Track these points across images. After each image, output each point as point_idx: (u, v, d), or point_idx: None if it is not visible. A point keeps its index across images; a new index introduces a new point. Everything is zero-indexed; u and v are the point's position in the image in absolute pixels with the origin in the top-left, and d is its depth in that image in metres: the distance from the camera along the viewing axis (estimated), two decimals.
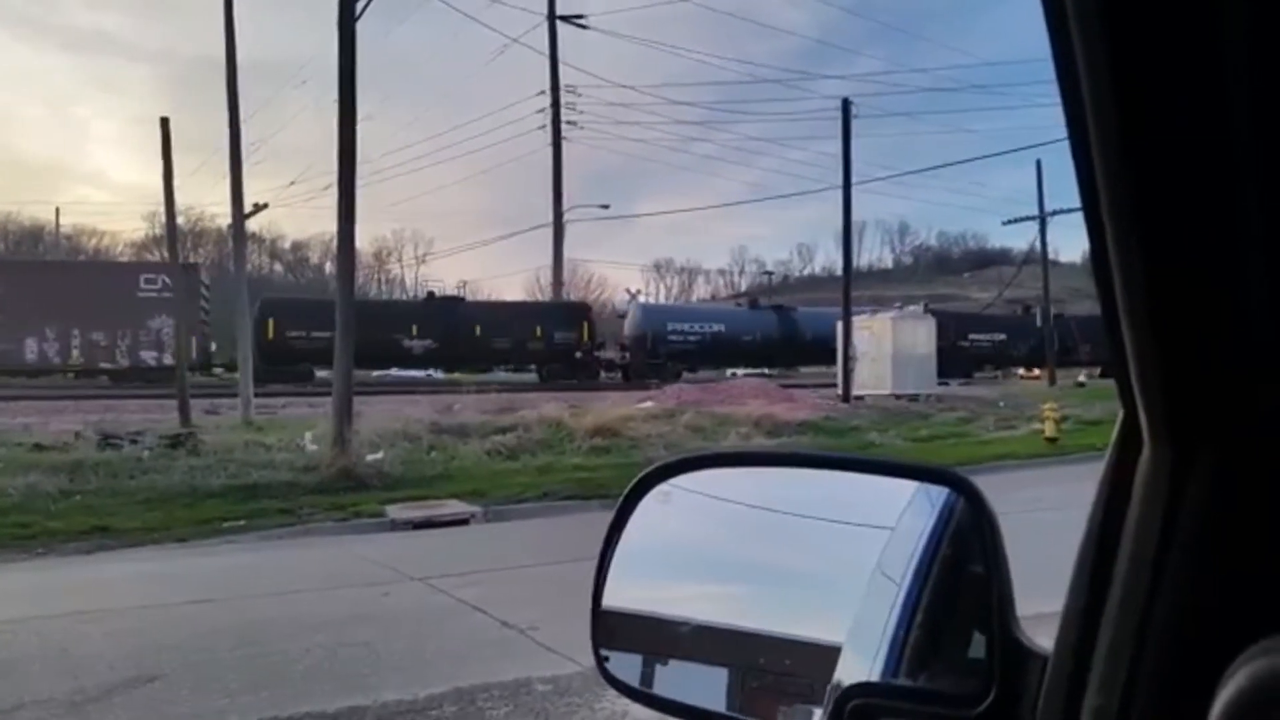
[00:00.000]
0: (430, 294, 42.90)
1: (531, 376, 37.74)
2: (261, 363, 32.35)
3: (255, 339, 32.57)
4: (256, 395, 20.97)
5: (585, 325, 38.71)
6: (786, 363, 42.99)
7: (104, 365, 33.42)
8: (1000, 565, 0.80)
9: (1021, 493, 9.82)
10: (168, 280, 31.44)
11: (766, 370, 40.92)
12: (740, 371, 39.12)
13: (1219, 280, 0.56)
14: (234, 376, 32.50)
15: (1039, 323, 37.62)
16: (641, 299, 51.98)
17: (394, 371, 38.26)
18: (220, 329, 33.97)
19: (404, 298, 44.27)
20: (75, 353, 33.55)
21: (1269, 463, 0.59)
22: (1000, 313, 48.62)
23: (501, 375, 37.19)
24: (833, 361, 30.48)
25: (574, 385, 30.79)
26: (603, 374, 37.69)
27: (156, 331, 32.87)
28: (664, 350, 38.91)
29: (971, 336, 42.20)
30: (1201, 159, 0.53)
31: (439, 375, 37.71)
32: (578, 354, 37.89)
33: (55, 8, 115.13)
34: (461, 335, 36.48)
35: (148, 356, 33.25)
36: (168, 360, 30.68)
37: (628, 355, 39.66)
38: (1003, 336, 42.94)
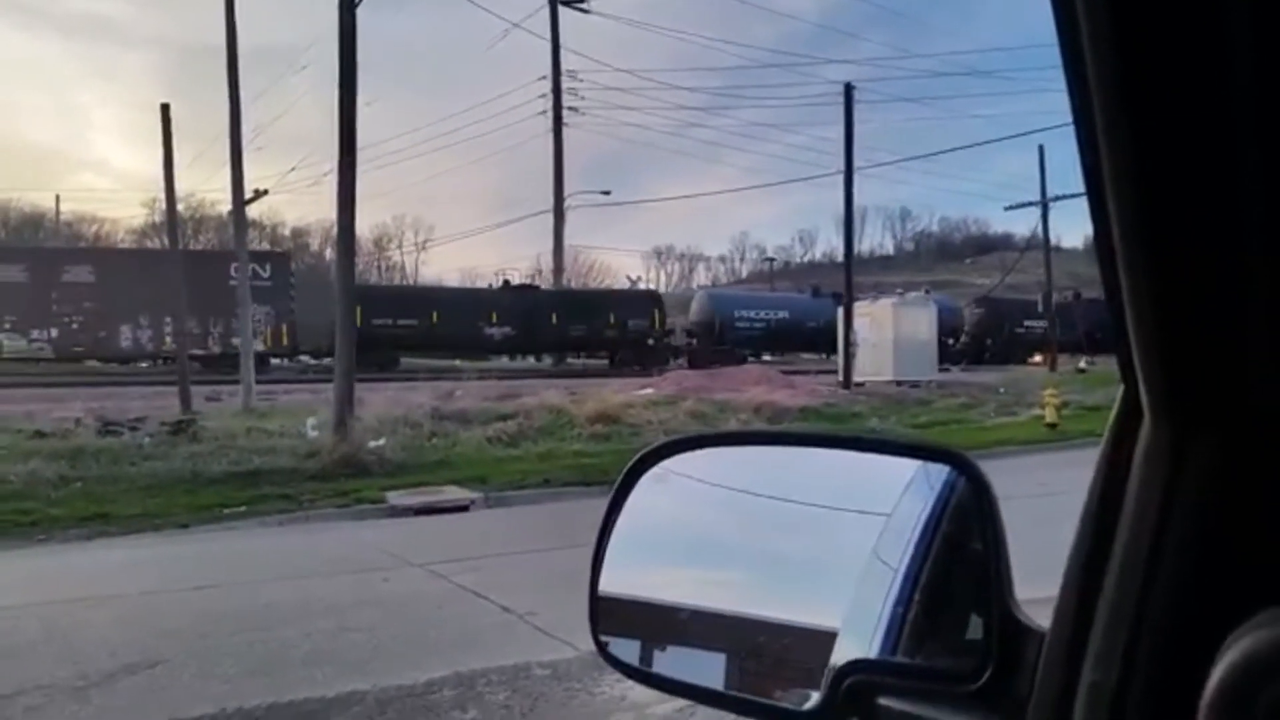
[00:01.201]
0: (506, 282, 43.56)
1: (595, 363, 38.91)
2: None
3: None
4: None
5: (656, 313, 39.72)
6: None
7: (196, 352, 33.72)
8: (999, 543, 0.80)
9: (1025, 476, 9.82)
10: (259, 269, 33.34)
11: (826, 355, 41.97)
12: (803, 356, 40.78)
13: (1220, 261, 0.56)
14: (313, 364, 34.05)
15: (1041, 308, 37.77)
16: (641, 286, 52.13)
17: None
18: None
19: (487, 286, 45.59)
20: (168, 340, 34.05)
21: (1267, 441, 0.59)
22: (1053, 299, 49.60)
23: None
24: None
25: (642, 371, 31.35)
26: (671, 360, 38.47)
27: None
28: (731, 337, 39.97)
29: (1026, 324, 42.76)
30: (1205, 142, 0.53)
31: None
32: (650, 340, 38.78)
33: None
34: (539, 323, 37.26)
35: (239, 343, 34.22)
36: (259, 347, 32.29)
37: (694, 341, 40.51)
38: None
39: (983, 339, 42.71)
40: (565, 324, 37.70)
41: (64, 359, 32.65)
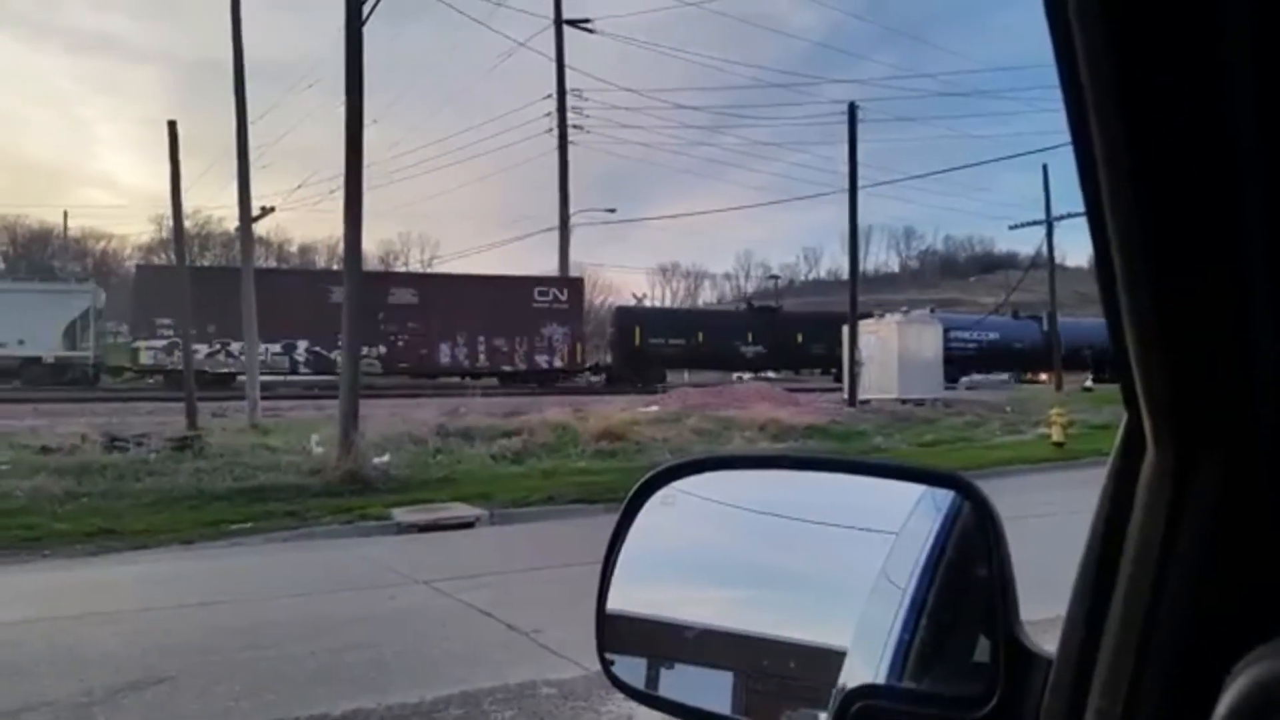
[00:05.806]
0: (749, 304, 46.71)
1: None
2: (625, 367, 37.77)
3: (621, 346, 38.80)
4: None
5: None
6: (1049, 367, 44.84)
7: (505, 368, 36.82)
8: (1004, 568, 0.80)
9: (1035, 496, 9.78)
10: (558, 293, 37.32)
11: (1033, 376, 43.89)
12: (1004, 376, 42.49)
13: (1222, 284, 0.56)
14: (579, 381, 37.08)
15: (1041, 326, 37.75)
16: (646, 304, 52.45)
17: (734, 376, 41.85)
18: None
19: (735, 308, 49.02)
20: (481, 357, 36.82)
21: (1272, 466, 0.59)
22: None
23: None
24: (1086, 366, 35.22)
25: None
26: None
27: (548, 338, 37.42)
28: (950, 356, 41.28)
29: None
30: (1204, 164, 0.53)
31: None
32: None
33: (58, 9, 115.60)
34: (785, 342, 41.17)
35: (541, 360, 37.28)
36: (558, 363, 36.66)
37: None
38: None
39: None
40: (808, 343, 40.95)
41: (390, 374, 34.61)
